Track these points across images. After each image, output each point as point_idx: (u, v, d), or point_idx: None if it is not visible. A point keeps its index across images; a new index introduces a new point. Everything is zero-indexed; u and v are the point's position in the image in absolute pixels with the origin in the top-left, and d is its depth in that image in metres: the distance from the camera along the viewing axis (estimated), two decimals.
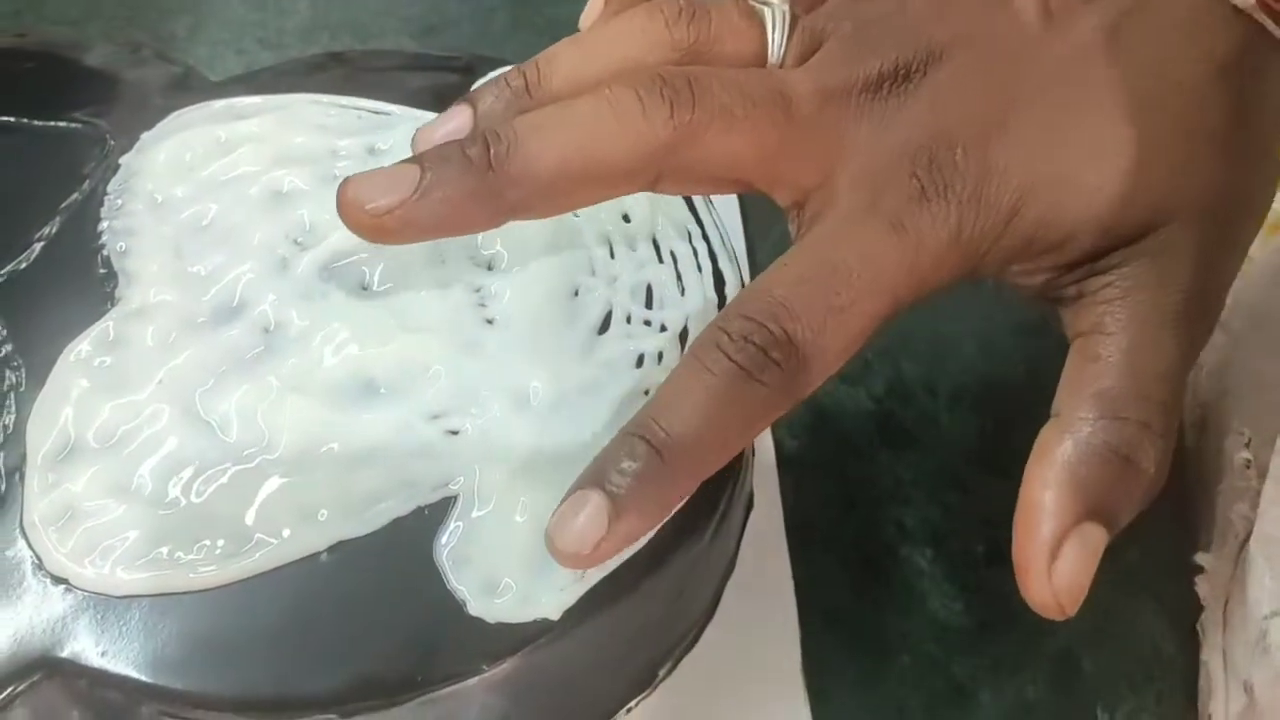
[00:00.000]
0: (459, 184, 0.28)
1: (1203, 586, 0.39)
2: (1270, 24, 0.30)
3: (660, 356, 0.32)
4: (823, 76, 0.30)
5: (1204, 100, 0.29)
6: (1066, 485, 0.27)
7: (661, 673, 0.33)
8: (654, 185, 0.30)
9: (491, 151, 0.28)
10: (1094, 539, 0.27)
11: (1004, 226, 0.28)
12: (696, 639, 0.34)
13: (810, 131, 0.29)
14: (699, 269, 0.34)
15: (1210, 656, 0.38)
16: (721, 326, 0.27)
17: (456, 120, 0.31)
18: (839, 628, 0.37)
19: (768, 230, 0.44)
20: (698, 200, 0.35)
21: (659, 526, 0.29)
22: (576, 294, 0.33)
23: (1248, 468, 0.40)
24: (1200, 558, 0.39)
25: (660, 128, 0.28)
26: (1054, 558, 0.27)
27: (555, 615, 0.28)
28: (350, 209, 0.28)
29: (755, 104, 0.29)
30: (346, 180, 0.29)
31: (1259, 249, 0.52)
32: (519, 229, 0.33)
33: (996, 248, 0.29)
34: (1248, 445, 0.40)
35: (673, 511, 0.28)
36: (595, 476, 0.26)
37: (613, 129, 0.28)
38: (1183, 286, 0.28)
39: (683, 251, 0.34)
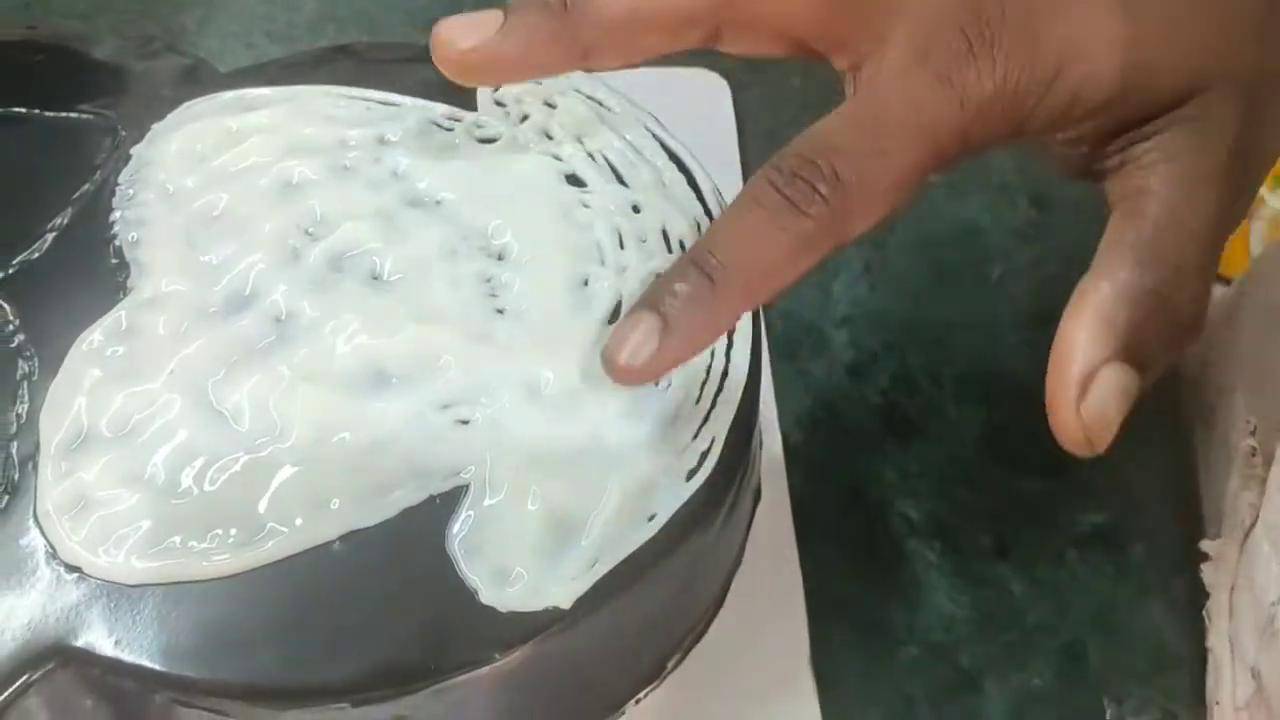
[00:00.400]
0: (538, 26, 0.30)
1: (1209, 573, 0.39)
2: None
3: None
4: None
5: None
6: (1099, 324, 0.28)
7: (671, 663, 0.33)
8: (717, 39, 0.31)
9: None
10: (1125, 378, 0.28)
11: (1048, 84, 0.29)
12: (705, 630, 0.34)
13: None
14: None
15: (1217, 643, 0.38)
16: (774, 164, 0.28)
17: None
18: (847, 619, 0.38)
19: None
20: (707, 191, 0.35)
21: (669, 517, 0.30)
22: (586, 284, 0.33)
23: (1253, 455, 0.40)
24: (1206, 545, 0.39)
25: None
26: (1083, 394, 0.28)
27: (567, 604, 0.28)
28: (441, 48, 0.31)
29: None
30: (439, 22, 0.31)
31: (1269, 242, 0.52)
32: (529, 219, 0.34)
33: (1041, 106, 0.29)
34: (1253, 433, 0.40)
35: (718, 336, 0.29)
36: (651, 299, 0.28)
37: None
38: (1223, 150, 0.29)
39: (692, 241, 0.34)
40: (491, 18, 0.30)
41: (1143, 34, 0.29)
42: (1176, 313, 0.28)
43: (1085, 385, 0.28)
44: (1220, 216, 0.29)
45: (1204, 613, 0.39)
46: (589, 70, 0.32)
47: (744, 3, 0.31)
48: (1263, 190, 1.13)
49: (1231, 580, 0.38)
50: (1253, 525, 0.38)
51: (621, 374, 0.28)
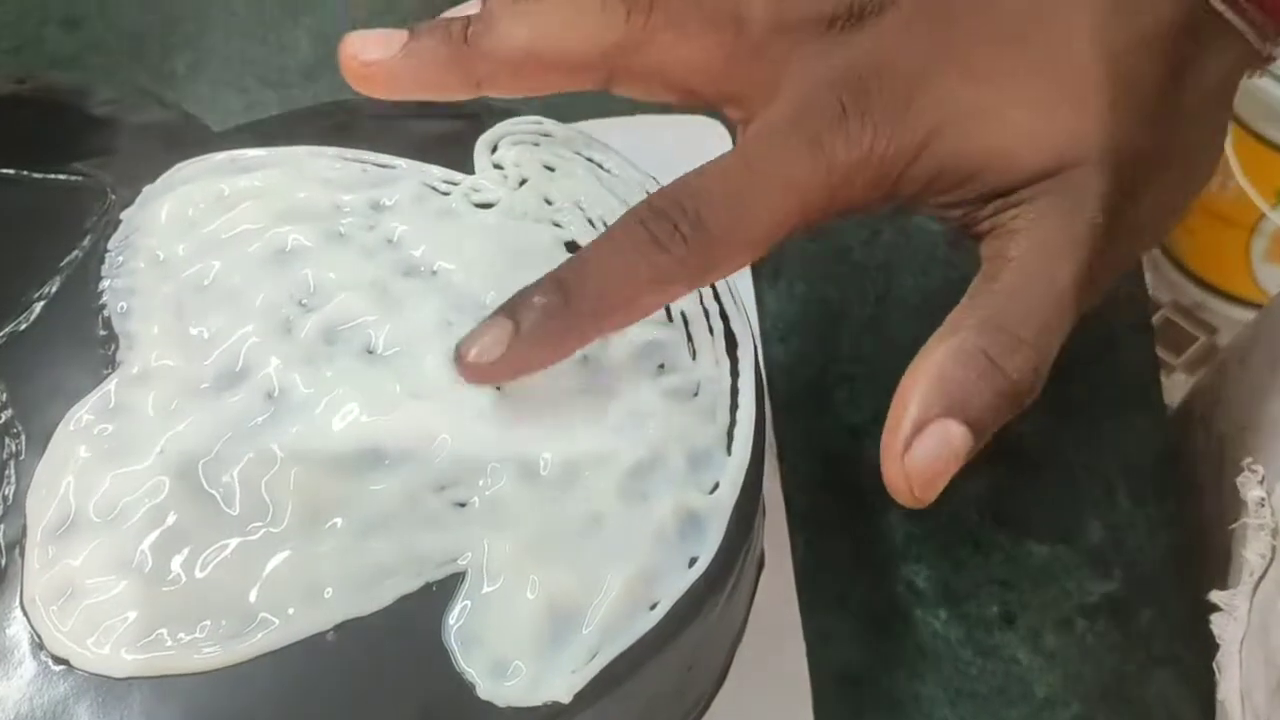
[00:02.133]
0: (436, 51, 0.32)
1: (1219, 624, 0.39)
2: (1217, 2, 0.31)
3: None
4: (782, 8, 0.32)
5: (1132, 63, 0.31)
6: (932, 381, 0.29)
7: None
8: (609, 84, 0.33)
9: (470, 29, 0.32)
10: (953, 435, 0.29)
11: (917, 152, 0.31)
12: (707, 707, 0.33)
13: (759, 57, 0.32)
14: (710, 330, 0.33)
15: (1228, 696, 0.38)
16: (646, 202, 0.30)
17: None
18: (852, 690, 0.37)
19: (775, 279, 0.44)
20: None
21: (671, 605, 0.29)
22: (586, 360, 0.32)
23: (1262, 505, 0.39)
24: (1216, 596, 0.39)
25: (614, 27, 0.31)
26: (908, 447, 0.29)
27: (566, 699, 0.28)
28: (346, 57, 0.32)
29: (709, 20, 0.32)
30: (349, 34, 0.32)
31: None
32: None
33: (910, 173, 0.31)
34: (1261, 482, 0.40)
35: (565, 355, 0.30)
36: (510, 306, 0.30)
37: (572, 22, 0.32)
38: (1082, 224, 0.30)
39: (693, 312, 0.33)
40: (397, 36, 0.32)
41: (1011, 111, 0.31)
42: (1008, 379, 0.29)
43: (912, 439, 0.29)
44: (1066, 288, 0.30)
45: (1214, 664, 0.38)
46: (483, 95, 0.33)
47: (638, 54, 0.32)
48: (1264, 207, 1.12)
49: (1242, 632, 0.38)
50: (1263, 576, 0.38)
51: (467, 370, 0.30)
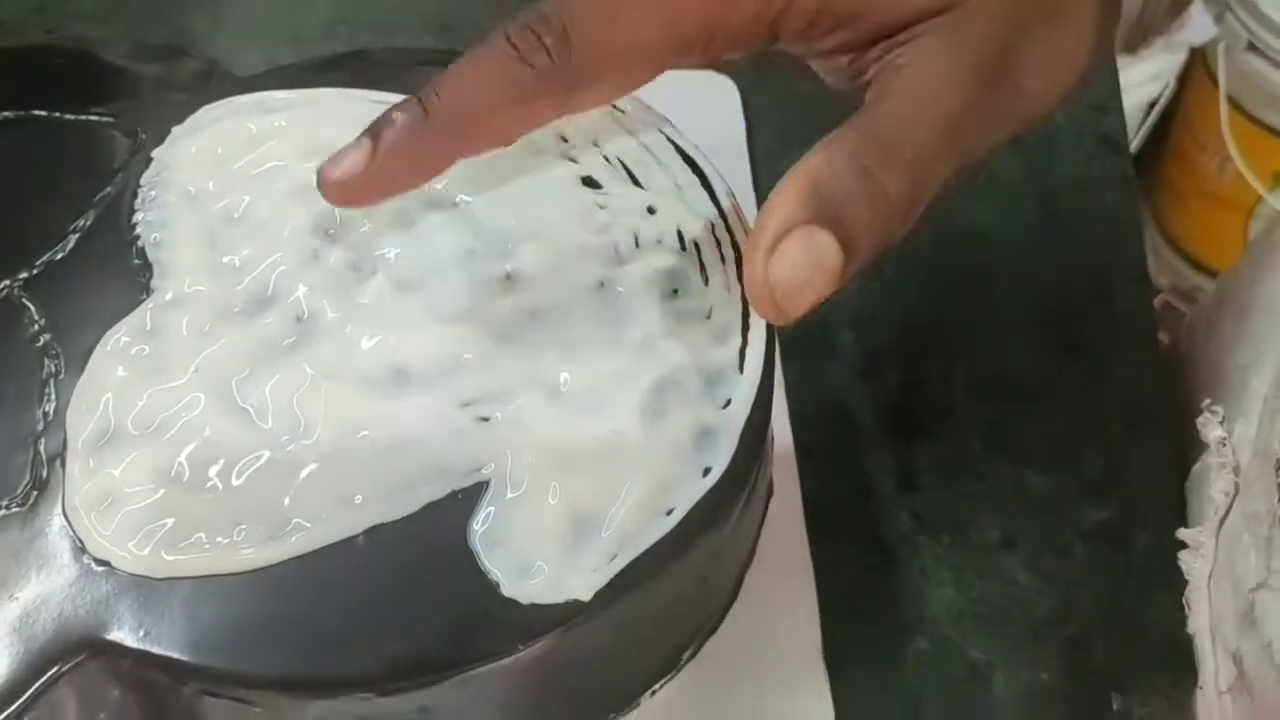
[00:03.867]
0: (408, 142, 0.30)
1: (1187, 561, 0.40)
2: None
3: None
4: None
5: None
6: (801, 186, 0.28)
7: (685, 656, 0.34)
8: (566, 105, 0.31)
9: (414, 113, 0.30)
10: (822, 244, 0.27)
11: None
12: (719, 623, 0.35)
13: None
14: (721, 258, 0.35)
15: (1198, 629, 0.39)
16: (515, 18, 0.29)
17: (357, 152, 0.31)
18: (858, 613, 0.38)
19: None
20: (721, 193, 0.35)
21: (686, 512, 0.30)
22: (603, 285, 0.33)
23: (1223, 444, 0.40)
24: (1184, 533, 0.40)
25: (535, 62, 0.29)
26: (773, 252, 0.28)
27: (587, 596, 0.29)
28: (329, 190, 0.31)
29: None
30: (320, 169, 0.31)
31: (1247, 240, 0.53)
32: (547, 221, 0.34)
33: (791, 9, 0.30)
34: (1222, 423, 0.41)
35: (430, 174, 0.30)
36: (372, 126, 0.29)
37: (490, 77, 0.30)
38: (967, 59, 0.29)
39: (705, 240, 0.35)
40: (359, 148, 0.30)
41: None
42: (884, 195, 0.28)
43: (776, 245, 0.28)
44: (950, 119, 0.29)
45: (1184, 600, 0.39)
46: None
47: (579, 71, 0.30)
48: (1261, 190, 1.13)
49: (1210, 568, 0.39)
50: (1227, 513, 0.39)
51: (330, 190, 0.29)
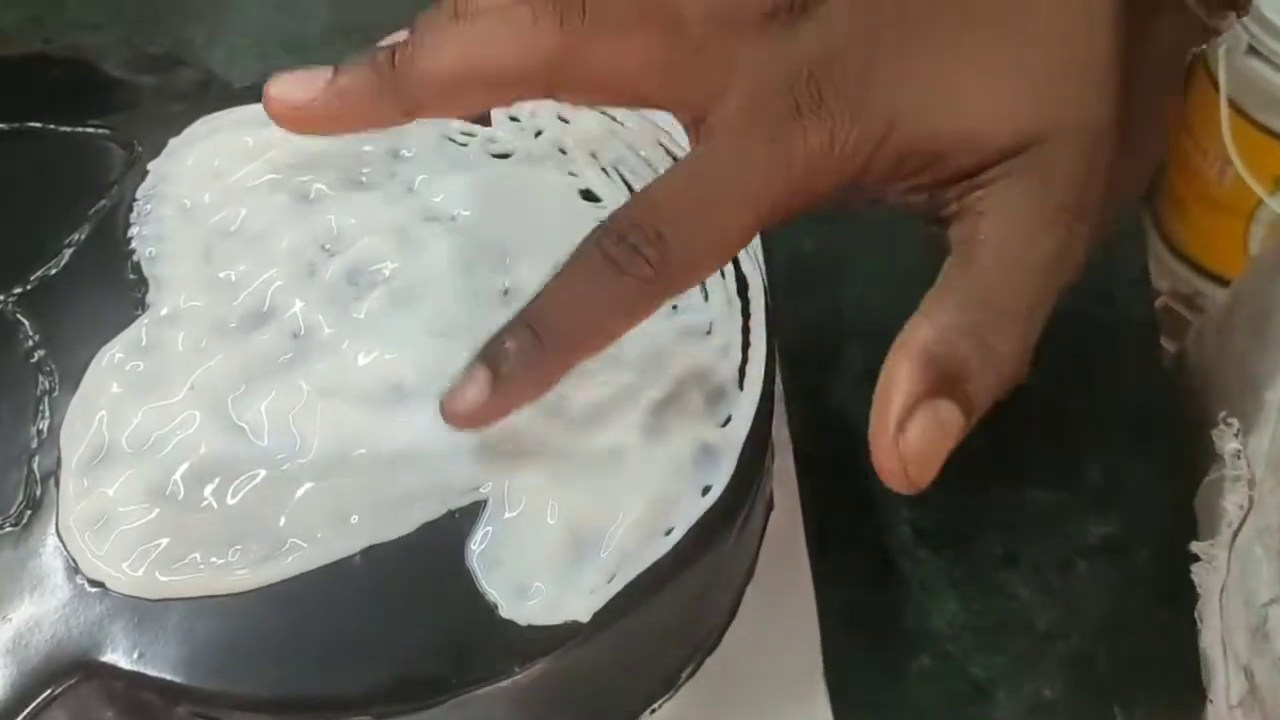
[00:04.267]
0: (366, 83, 0.30)
1: (1199, 574, 0.39)
2: None
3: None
4: (717, 4, 0.30)
5: (1088, 37, 0.31)
6: (919, 361, 0.29)
7: (685, 674, 0.33)
8: (550, 94, 0.31)
9: (396, 55, 0.30)
10: (946, 413, 0.28)
11: (879, 140, 0.30)
12: (719, 640, 0.34)
13: (700, 54, 0.30)
14: (721, 273, 0.34)
15: (1209, 643, 0.38)
16: (604, 226, 0.29)
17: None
18: (859, 628, 0.38)
19: (785, 236, 0.45)
20: None
21: (685, 531, 0.30)
22: None
23: (1238, 457, 0.40)
24: (1196, 546, 0.40)
25: (549, 36, 0.30)
26: (902, 430, 0.28)
27: (585, 618, 0.29)
28: (273, 103, 0.31)
29: (643, 21, 0.30)
30: (270, 80, 0.31)
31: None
32: (545, 235, 0.34)
33: (874, 162, 0.30)
34: (1237, 435, 0.41)
35: (545, 390, 0.30)
36: (486, 353, 0.29)
37: (505, 35, 0.30)
38: (1053, 201, 0.30)
39: None
40: (321, 74, 0.30)
41: (972, 92, 0.30)
42: (996, 356, 0.29)
43: (904, 421, 0.28)
44: (1047, 265, 0.30)
45: (1195, 614, 0.39)
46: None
47: (576, 63, 0.30)
48: (1262, 194, 1.13)
49: (1222, 581, 0.39)
50: (1240, 526, 0.39)
51: (458, 421, 0.29)
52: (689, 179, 0.30)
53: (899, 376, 0.29)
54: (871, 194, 0.32)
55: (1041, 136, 0.30)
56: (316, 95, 0.30)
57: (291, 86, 0.30)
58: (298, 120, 0.31)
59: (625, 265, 0.29)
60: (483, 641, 0.28)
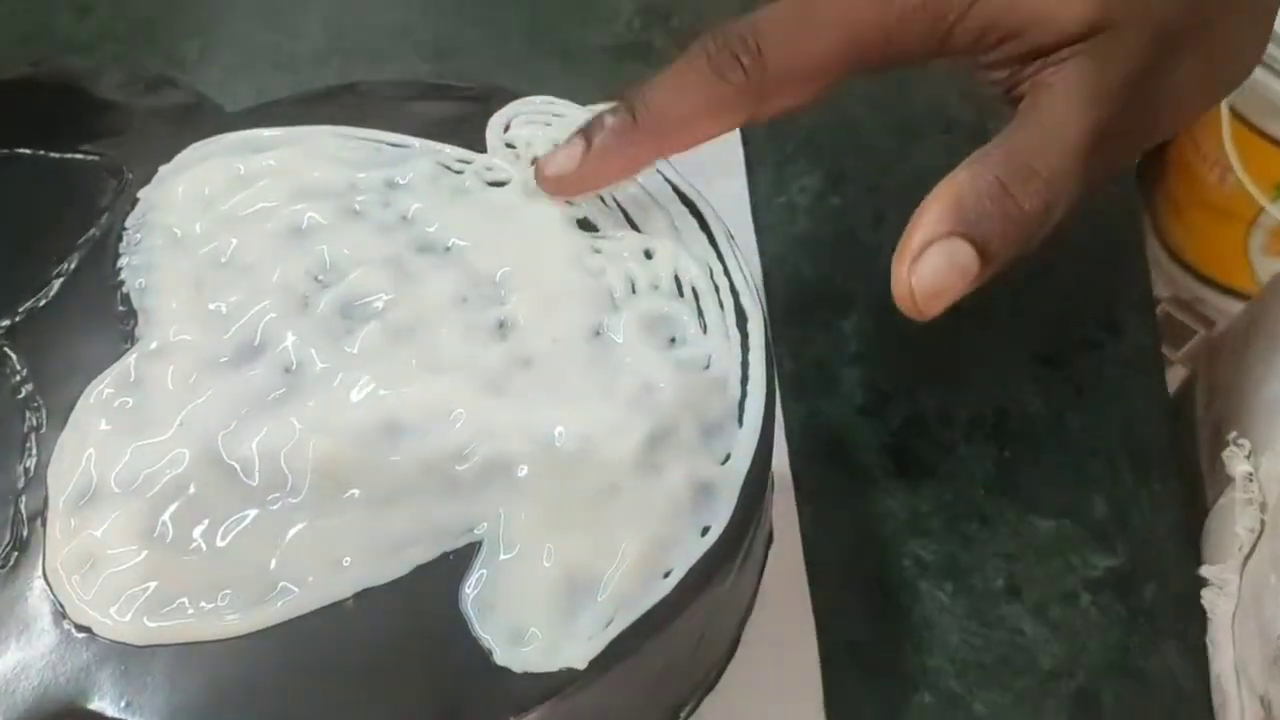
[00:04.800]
0: (617, 139, 0.33)
1: (1209, 598, 0.39)
2: None
3: None
4: None
5: None
6: (945, 202, 0.31)
7: (684, 713, 0.33)
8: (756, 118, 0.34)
9: (634, 110, 0.33)
10: (959, 252, 0.31)
11: (968, 5, 0.32)
12: (718, 678, 0.34)
13: None
14: (720, 305, 0.34)
15: (1222, 670, 0.38)
16: (712, 35, 0.33)
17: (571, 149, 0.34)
18: (860, 662, 0.37)
19: (784, 263, 0.44)
20: (718, 234, 0.35)
21: (684, 573, 0.29)
22: (599, 333, 0.32)
23: (1250, 480, 0.40)
24: (1206, 570, 0.39)
25: (730, 75, 0.33)
26: (917, 260, 0.31)
27: (582, 665, 0.28)
28: (543, 180, 0.34)
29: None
30: (537, 165, 0.34)
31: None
32: (541, 266, 0.34)
33: (961, 25, 0.33)
34: (1248, 457, 0.40)
35: (633, 172, 0.34)
36: (586, 127, 0.33)
37: (693, 86, 0.33)
38: (1114, 81, 0.32)
39: (704, 287, 0.34)
40: (573, 147, 0.34)
41: None
42: (1017, 210, 0.31)
43: (921, 253, 0.31)
44: (1082, 139, 0.32)
45: (1208, 639, 0.39)
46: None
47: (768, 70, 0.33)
48: (1263, 200, 1.13)
49: (1234, 606, 0.38)
50: (1252, 551, 0.38)
51: (547, 183, 0.34)
52: (793, 7, 0.33)
53: (927, 213, 0.31)
54: (958, 61, 0.34)
55: (1110, 24, 0.32)
56: (583, 159, 0.33)
57: (556, 160, 0.34)
58: (564, 188, 0.34)
59: (723, 70, 0.32)
60: (477, 689, 0.28)
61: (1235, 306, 1.21)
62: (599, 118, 0.33)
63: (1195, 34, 0.33)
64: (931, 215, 0.31)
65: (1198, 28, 0.33)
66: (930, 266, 0.31)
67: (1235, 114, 1.11)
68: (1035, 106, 0.33)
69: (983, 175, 0.31)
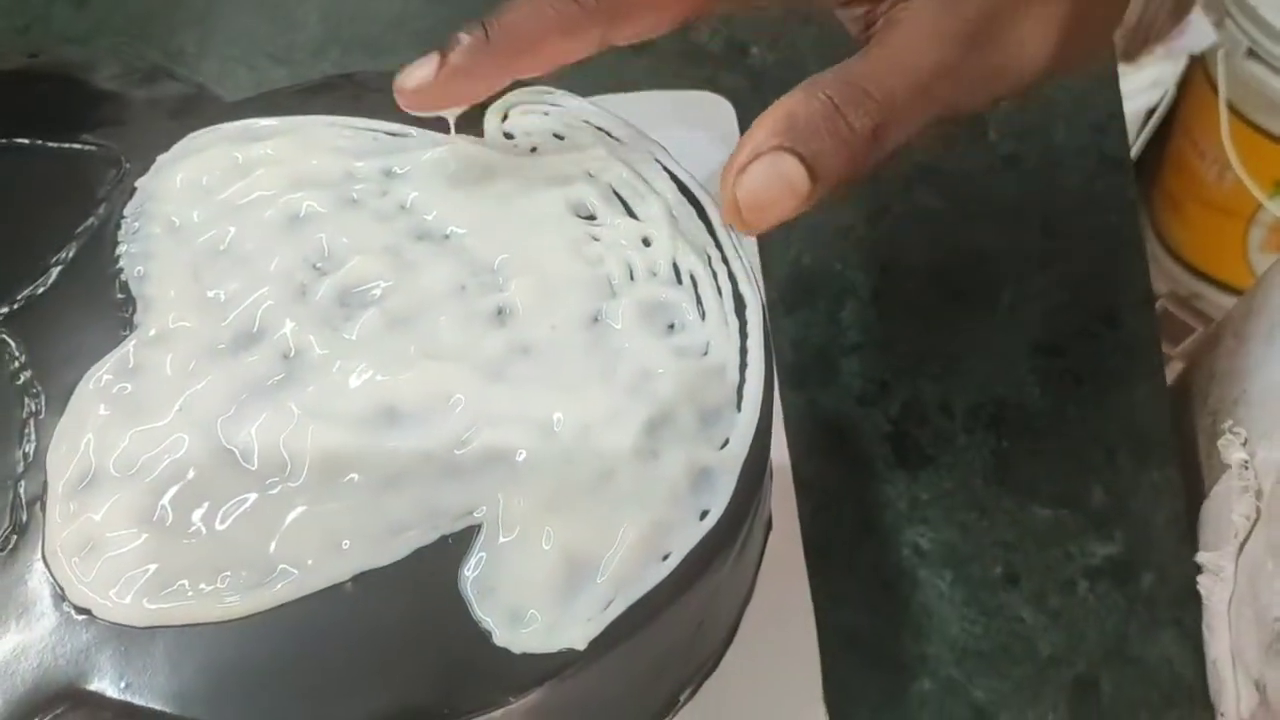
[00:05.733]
0: (471, 57, 0.33)
1: (1205, 584, 0.39)
2: None
3: None
4: None
5: None
6: (777, 117, 0.32)
7: (683, 698, 0.33)
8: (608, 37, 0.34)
9: (488, 29, 0.33)
10: (786, 165, 0.31)
11: None
12: (717, 664, 0.34)
13: None
14: (719, 291, 0.34)
15: (1218, 655, 0.38)
16: None
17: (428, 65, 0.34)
18: (859, 650, 0.37)
19: (784, 251, 0.44)
20: (716, 222, 0.35)
21: (683, 556, 0.29)
22: (597, 320, 0.32)
23: (1245, 467, 0.40)
24: (1202, 557, 0.39)
25: None
26: (744, 171, 0.31)
27: (581, 646, 0.28)
28: (400, 93, 0.34)
29: None
30: (395, 81, 0.34)
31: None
32: (539, 253, 0.34)
33: None
34: (1244, 445, 0.40)
35: (486, 91, 0.34)
36: (443, 45, 0.33)
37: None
38: (956, 21, 0.33)
39: (702, 274, 0.34)
40: (428, 63, 0.33)
41: None
42: (847, 130, 0.32)
43: (748, 164, 0.31)
44: (930, 75, 0.32)
45: (1204, 625, 0.39)
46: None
47: None
48: (1261, 197, 1.13)
49: (1230, 593, 0.38)
50: (1247, 538, 0.38)
51: (405, 98, 0.33)
52: None
53: (758, 129, 0.32)
54: (819, 2, 0.35)
55: None
56: (432, 76, 0.33)
57: (411, 73, 0.33)
58: (420, 101, 0.34)
59: None
60: (476, 671, 0.28)
61: (1233, 303, 1.22)
62: (454, 35, 0.33)
63: None
64: (762, 130, 0.32)
65: None
66: (756, 177, 0.31)
67: (1234, 111, 1.12)
68: (880, 41, 0.33)
69: (816, 95, 0.32)
